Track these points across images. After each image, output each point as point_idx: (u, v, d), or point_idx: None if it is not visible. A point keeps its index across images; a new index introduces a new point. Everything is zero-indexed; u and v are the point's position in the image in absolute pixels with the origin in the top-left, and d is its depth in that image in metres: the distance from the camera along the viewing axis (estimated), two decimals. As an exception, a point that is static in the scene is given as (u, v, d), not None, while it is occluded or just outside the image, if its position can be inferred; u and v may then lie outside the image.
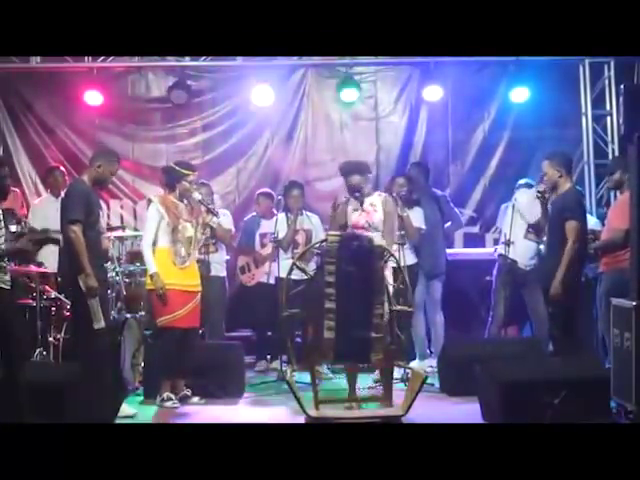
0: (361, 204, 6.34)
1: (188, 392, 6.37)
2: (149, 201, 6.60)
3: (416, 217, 7.32)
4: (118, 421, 5.58)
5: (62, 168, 8.19)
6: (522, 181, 7.94)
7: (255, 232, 8.09)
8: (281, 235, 7.56)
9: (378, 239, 5.82)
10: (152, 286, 6.27)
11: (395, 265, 5.94)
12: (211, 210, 6.58)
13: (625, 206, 5.88)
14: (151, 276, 6.27)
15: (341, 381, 6.11)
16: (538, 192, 6.57)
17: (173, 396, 6.27)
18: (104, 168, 5.85)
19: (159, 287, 6.19)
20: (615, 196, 7.11)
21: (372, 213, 6.31)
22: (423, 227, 7.39)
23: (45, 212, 7.77)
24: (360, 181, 6.36)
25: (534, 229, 7.21)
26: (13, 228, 5.64)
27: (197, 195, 6.50)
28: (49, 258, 7.47)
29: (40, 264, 7.04)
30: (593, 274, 6.90)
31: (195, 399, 6.38)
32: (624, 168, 6.26)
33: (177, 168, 6.46)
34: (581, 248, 6.04)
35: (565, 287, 5.93)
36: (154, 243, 6.33)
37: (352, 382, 5.83)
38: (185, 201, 6.46)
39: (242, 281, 8.13)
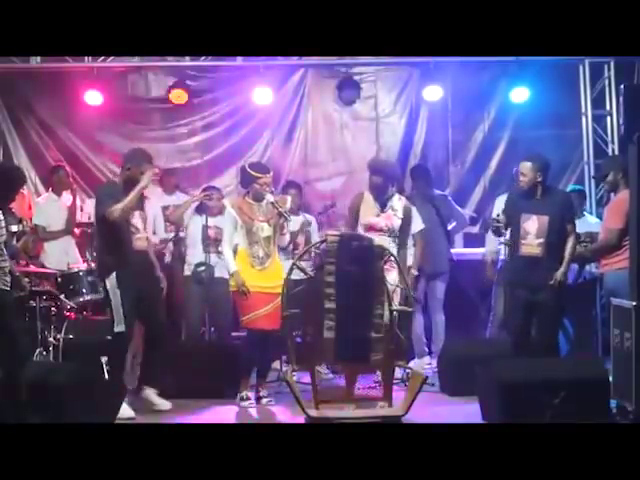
0: (382, 206, 6.28)
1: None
2: (224, 205, 6.65)
3: None
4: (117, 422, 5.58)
5: (66, 167, 8.19)
6: None
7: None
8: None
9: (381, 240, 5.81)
10: (235, 287, 6.22)
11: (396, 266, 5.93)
12: (282, 213, 6.38)
13: (620, 205, 5.87)
14: (231, 275, 6.24)
15: (341, 381, 6.11)
16: None
17: (251, 395, 6.30)
18: (133, 170, 5.89)
19: (239, 284, 6.15)
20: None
21: (393, 217, 6.22)
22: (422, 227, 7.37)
23: (47, 210, 7.77)
24: (381, 183, 6.27)
25: None
26: (14, 228, 5.60)
27: (270, 197, 6.34)
28: (50, 258, 7.49)
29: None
30: (591, 275, 6.89)
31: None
32: (617, 169, 6.23)
33: (248, 170, 6.33)
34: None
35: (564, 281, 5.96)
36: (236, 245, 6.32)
37: (351, 382, 5.82)
38: (265, 201, 6.34)
39: None
